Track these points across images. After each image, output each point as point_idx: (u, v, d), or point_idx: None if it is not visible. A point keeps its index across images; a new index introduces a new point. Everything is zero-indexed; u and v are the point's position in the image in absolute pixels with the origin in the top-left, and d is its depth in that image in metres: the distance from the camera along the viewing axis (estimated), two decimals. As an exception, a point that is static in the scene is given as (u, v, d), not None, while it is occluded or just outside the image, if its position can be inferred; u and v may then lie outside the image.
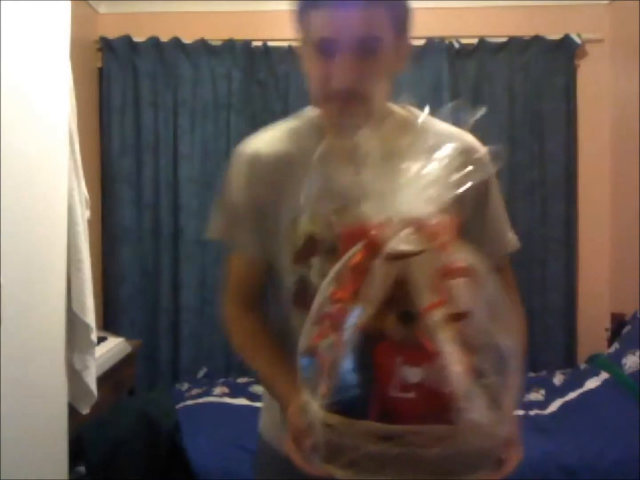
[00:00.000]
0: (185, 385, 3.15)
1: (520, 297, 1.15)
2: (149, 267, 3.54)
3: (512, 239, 1.19)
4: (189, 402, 2.83)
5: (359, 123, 0.89)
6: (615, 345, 2.94)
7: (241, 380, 3.19)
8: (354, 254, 0.81)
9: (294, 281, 1.09)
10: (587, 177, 3.51)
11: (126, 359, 2.91)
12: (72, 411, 1.93)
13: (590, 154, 3.51)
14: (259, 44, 3.52)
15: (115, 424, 2.33)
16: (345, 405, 0.75)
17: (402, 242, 0.77)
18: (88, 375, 1.96)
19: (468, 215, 0.98)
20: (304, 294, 1.04)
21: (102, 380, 2.23)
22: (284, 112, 3.53)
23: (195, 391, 3.01)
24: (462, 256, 0.80)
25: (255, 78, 3.55)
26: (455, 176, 0.84)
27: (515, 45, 3.46)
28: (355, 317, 0.76)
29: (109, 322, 3.49)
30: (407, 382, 0.75)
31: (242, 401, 2.86)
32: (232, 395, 2.94)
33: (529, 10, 3.49)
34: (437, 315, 0.74)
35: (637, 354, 2.68)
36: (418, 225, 0.79)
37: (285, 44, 3.49)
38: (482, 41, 3.47)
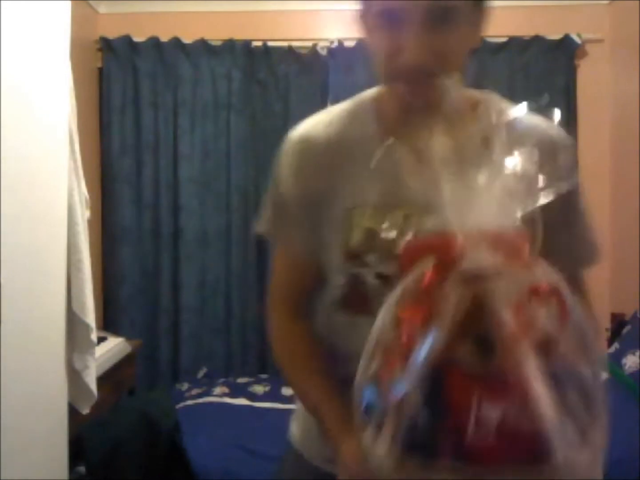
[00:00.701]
0: (185, 385, 3.15)
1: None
2: (149, 267, 3.54)
3: (597, 248, 1.03)
4: (189, 402, 2.83)
5: (433, 106, 0.80)
6: (615, 345, 2.94)
7: (241, 380, 3.19)
8: (423, 272, 0.71)
9: (344, 281, 0.96)
10: (587, 177, 3.49)
11: (126, 359, 2.91)
12: (72, 411, 1.93)
13: (590, 154, 3.51)
14: (259, 44, 3.52)
15: (115, 424, 2.33)
16: (413, 446, 0.67)
17: (480, 260, 0.68)
18: (88, 375, 1.96)
19: (554, 220, 0.83)
20: (354, 296, 0.94)
21: (102, 380, 2.23)
22: (284, 112, 3.55)
23: (195, 391, 3.02)
24: (547, 275, 0.71)
25: (255, 78, 3.55)
26: (543, 180, 0.76)
27: (515, 45, 3.47)
28: (428, 345, 0.66)
29: (109, 322, 3.49)
30: (487, 419, 0.65)
31: (242, 401, 2.87)
32: (232, 395, 2.94)
33: (529, 10, 3.49)
34: (521, 343, 0.65)
35: (637, 354, 2.68)
36: (498, 240, 0.70)
37: (285, 44, 3.49)
38: (482, 41, 3.46)
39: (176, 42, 3.52)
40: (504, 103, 0.94)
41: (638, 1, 3.02)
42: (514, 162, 0.76)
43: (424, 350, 0.66)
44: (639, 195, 3.09)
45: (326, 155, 0.97)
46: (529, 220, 0.75)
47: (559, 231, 0.90)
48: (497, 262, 0.69)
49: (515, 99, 3.47)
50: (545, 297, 0.69)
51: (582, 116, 3.49)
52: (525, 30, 3.45)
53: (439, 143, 0.75)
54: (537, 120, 0.95)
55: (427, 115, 0.83)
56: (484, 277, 0.67)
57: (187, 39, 3.51)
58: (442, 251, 0.71)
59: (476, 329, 0.67)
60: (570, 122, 3.46)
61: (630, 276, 3.15)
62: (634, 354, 2.70)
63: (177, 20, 3.58)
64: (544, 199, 0.75)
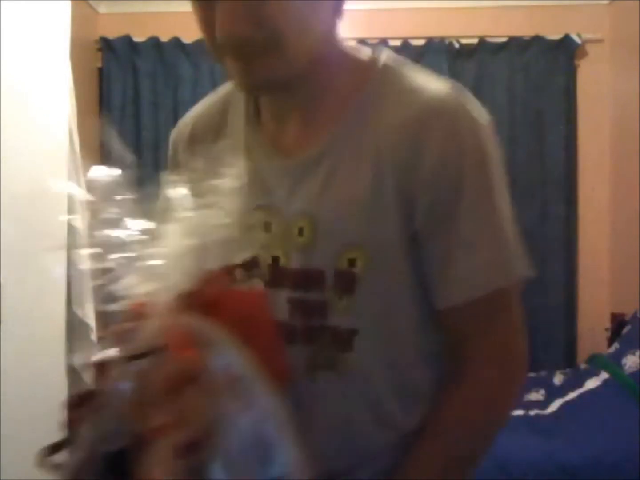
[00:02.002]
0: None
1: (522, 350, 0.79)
2: (149, 267, 3.54)
3: (514, 267, 0.76)
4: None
5: (274, 87, 0.72)
6: (615, 345, 2.94)
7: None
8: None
9: None
10: (587, 177, 3.51)
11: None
12: (72, 411, 1.92)
13: (590, 154, 3.51)
14: (259, 44, 3.52)
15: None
16: None
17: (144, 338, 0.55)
18: (88, 375, 1.96)
19: (421, 233, 0.73)
20: None
21: (102, 380, 2.23)
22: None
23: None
24: (220, 355, 0.55)
25: (255, 78, 3.55)
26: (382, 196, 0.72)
27: (515, 45, 3.47)
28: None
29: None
30: None
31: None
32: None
33: (529, 10, 3.49)
34: (163, 443, 0.51)
35: (637, 354, 2.68)
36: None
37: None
38: (482, 41, 3.47)
39: (176, 42, 3.52)
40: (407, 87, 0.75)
41: (638, 1, 3.02)
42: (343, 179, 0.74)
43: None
44: (639, 195, 3.09)
45: (188, 145, 0.89)
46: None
47: (434, 245, 0.74)
48: (150, 339, 0.55)
49: (515, 99, 3.49)
50: (208, 384, 0.53)
51: (582, 116, 3.49)
52: (525, 30, 3.45)
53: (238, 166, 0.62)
54: (426, 83, 0.76)
55: (282, 100, 0.77)
56: (137, 358, 0.55)
57: (187, 39, 3.51)
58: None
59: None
60: (570, 122, 3.46)
61: (630, 276, 3.15)
62: (634, 354, 2.70)
63: (177, 20, 3.56)
64: (380, 223, 0.72)
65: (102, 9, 3.59)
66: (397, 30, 3.47)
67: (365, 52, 0.79)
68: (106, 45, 3.52)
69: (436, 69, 3.41)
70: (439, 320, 0.77)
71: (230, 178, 0.63)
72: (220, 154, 0.71)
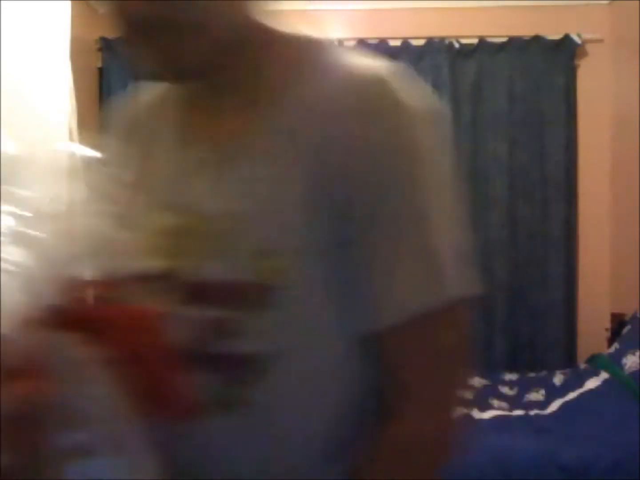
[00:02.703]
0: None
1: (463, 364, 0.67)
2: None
3: (450, 284, 0.62)
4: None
5: (190, 73, 0.63)
6: (615, 345, 2.94)
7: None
8: None
9: None
10: (587, 177, 3.51)
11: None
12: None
13: (590, 154, 3.51)
14: (259, 44, 3.52)
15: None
16: None
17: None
18: None
19: (348, 239, 0.61)
20: None
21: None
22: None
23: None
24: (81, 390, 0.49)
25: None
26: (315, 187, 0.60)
27: (515, 45, 3.46)
28: None
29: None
30: None
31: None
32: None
33: (529, 10, 3.49)
34: None
35: (637, 354, 2.68)
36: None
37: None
38: (482, 41, 3.46)
39: (176, 42, 3.51)
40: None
41: (638, 1, 3.02)
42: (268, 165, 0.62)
43: None
44: (639, 195, 3.09)
45: (118, 130, 0.78)
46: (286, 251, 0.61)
47: (360, 253, 0.62)
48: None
49: (515, 99, 3.49)
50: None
51: (582, 116, 3.49)
52: (525, 30, 3.45)
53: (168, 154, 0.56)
54: (360, 66, 0.65)
55: (200, 88, 0.68)
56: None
57: (187, 39, 3.51)
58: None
59: None
60: (570, 122, 3.46)
61: (630, 276, 3.15)
62: (634, 354, 2.70)
63: (177, 20, 3.57)
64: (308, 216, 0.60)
65: (102, 9, 3.59)
66: (397, 30, 3.47)
67: (298, 34, 0.70)
68: (106, 45, 3.51)
69: (436, 69, 3.44)
70: (371, 346, 0.63)
71: (133, 173, 0.58)
72: (134, 146, 0.69)
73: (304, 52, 0.67)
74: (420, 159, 0.61)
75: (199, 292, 0.63)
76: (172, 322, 0.58)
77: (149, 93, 0.76)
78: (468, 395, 0.67)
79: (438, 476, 0.65)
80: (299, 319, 0.62)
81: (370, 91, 0.61)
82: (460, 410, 0.65)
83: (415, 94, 0.64)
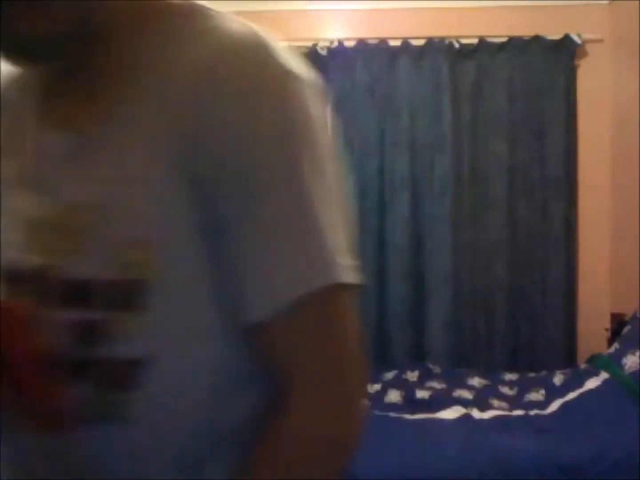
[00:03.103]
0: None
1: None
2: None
3: (336, 268, 0.57)
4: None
5: (38, 50, 0.55)
6: (615, 345, 2.94)
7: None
8: None
9: None
10: (587, 177, 3.51)
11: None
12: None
13: (590, 154, 3.51)
14: (259, 44, 3.52)
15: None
16: None
17: None
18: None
19: (218, 224, 0.56)
20: None
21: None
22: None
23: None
24: None
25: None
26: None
27: (515, 45, 3.46)
28: None
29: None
30: None
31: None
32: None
33: (529, 10, 3.49)
34: None
35: (637, 354, 2.68)
36: None
37: (285, 44, 3.49)
38: (482, 41, 3.47)
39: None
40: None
41: (638, 1, 3.02)
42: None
43: None
44: (639, 195, 3.09)
45: None
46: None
47: (231, 238, 0.56)
48: None
49: (515, 99, 3.48)
50: None
51: (582, 116, 3.49)
52: (525, 30, 3.45)
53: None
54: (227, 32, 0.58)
55: (56, 66, 0.60)
56: None
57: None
58: None
59: None
60: (570, 122, 3.46)
61: (630, 276, 3.16)
62: (634, 354, 2.70)
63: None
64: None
65: None
66: (397, 30, 3.47)
67: (169, 2, 0.61)
68: None
69: (436, 69, 3.44)
70: (251, 340, 0.58)
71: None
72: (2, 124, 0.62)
73: (176, 20, 0.59)
74: (301, 136, 0.56)
75: (68, 292, 0.56)
76: (41, 324, 0.55)
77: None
78: (360, 388, 0.61)
79: (337, 476, 0.60)
80: (174, 317, 0.56)
81: (250, 62, 0.56)
82: (353, 404, 0.60)
83: (298, 65, 0.60)
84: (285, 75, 0.56)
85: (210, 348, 0.58)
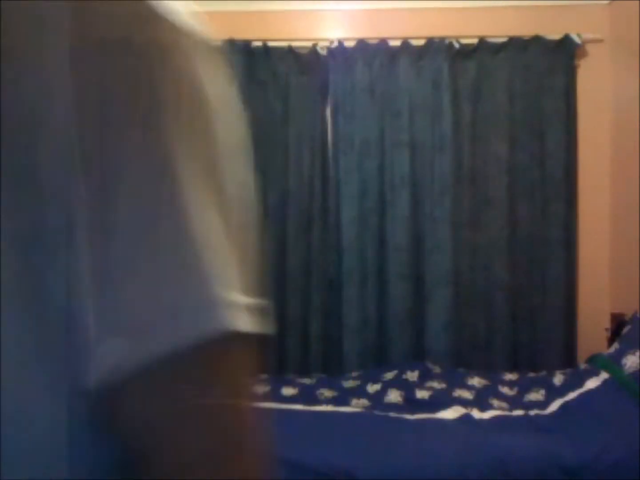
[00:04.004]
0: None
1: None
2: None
3: (222, 309, 0.37)
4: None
5: None
6: (615, 345, 2.94)
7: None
8: None
9: None
10: (587, 177, 3.51)
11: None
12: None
13: (590, 154, 3.51)
14: (259, 44, 3.52)
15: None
16: None
17: None
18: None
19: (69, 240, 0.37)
20: None
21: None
22: (284, 112, 3.56)
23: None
24: None
25: (255, 78, 3.55)
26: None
27: (515, 45, 3.47)
28: None
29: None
30: None
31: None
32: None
33: (529, 10, 3.49)
34: None
35: (637, 354, 2.68)
36: None
37: (285, 44, 3.49)
38: (482, 41, 3.47)
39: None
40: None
41: (638, 1, 3.03)
42: None
43: None
44: (639, 195, 3.09)
45: None
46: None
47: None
48: None
49: (515, 99, 3.48)
50: None
51: (582, 116, 3.49)
52: (525, 30, 3.45)
53: None
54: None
55: None
56: None
57: (187, 39, 3.51)
58: None
59: None
60: (570, 122, 3.46)
61: (630, 276, 3.16)
62: (634, 354, 2.70)
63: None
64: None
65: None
66: (397, 30, 3.47)
67: None
68: (106, 45, 3.51)
69: (436, 69, 3.44)
70: (101, 416, 0.39)
71: None
72: None
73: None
74: (192, 104, 0.40)
75: None
76: None
77: None
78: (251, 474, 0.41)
79: None
80: None
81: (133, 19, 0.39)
82: None
83: (191, 22, 0.45)
84: (177, 33, 0.41)
85: (47, 428, 0.43)
